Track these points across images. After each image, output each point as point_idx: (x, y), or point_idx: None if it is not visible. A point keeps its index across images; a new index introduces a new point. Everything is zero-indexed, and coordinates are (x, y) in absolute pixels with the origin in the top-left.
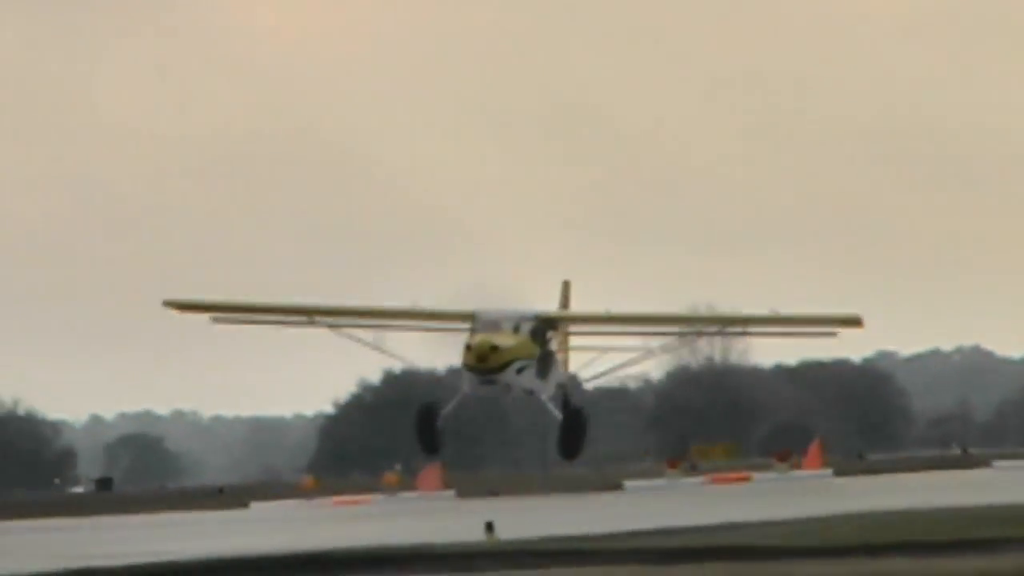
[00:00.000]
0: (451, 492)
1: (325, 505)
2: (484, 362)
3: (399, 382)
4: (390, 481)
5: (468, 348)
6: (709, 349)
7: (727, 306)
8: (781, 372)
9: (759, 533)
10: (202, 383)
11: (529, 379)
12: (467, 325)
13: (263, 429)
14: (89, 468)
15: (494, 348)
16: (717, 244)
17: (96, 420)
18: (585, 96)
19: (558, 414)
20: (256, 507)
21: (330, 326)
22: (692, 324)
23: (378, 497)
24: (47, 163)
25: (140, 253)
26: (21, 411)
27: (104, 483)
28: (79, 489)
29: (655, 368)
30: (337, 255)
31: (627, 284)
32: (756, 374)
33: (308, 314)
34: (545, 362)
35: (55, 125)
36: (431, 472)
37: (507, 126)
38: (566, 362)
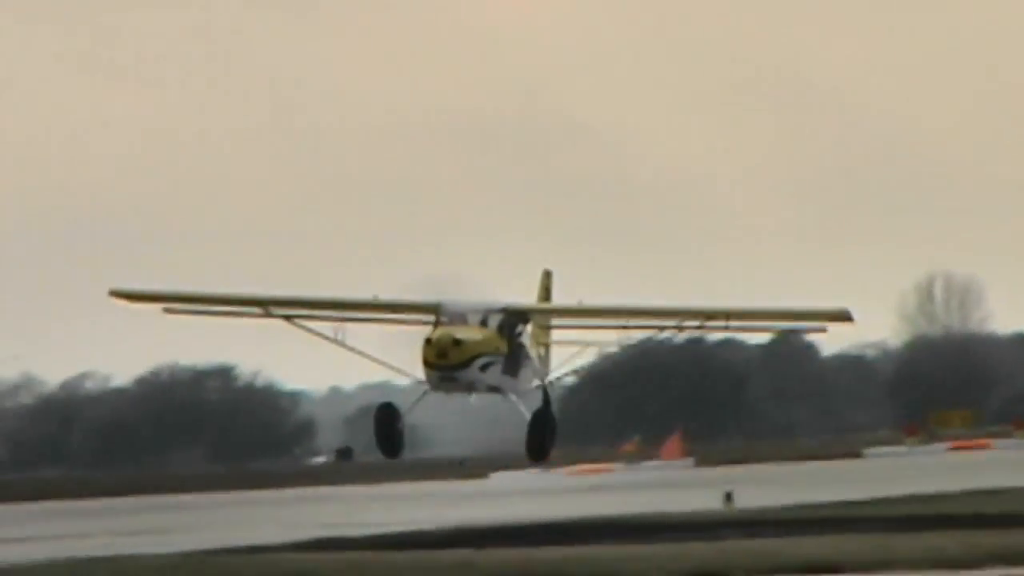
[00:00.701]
0: (690, 461)
1: (565, 475)
2: (444, 357)
3: (638, 352)
4: (630, 450)
5: (428, 342)
6: (947, 317)
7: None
8: (1019, 339)
9: (999, 500)
10: None
11: (495, 376)
12: (431, 318)
13: (502, 399)
14: (329, 439)
15: (456, 342)
16: (950, 212)
17: (335, 391)
18: (805, 68)
19: (527, 414)
20: (496, 477)
21: (286, 318)
22: (672, 317)
23: (618, 466)
24: (293, 141)
25: (376, 227)
26: (260, 383)
27: (344, 453)
28: (320, 459)
29: (893, 336)
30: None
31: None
32: (994, 342)
33: (263, 305)
34: (515, 358)
35: (288, 100)
36: (673, 442)
37: (725, 96)
38: (547, 359)
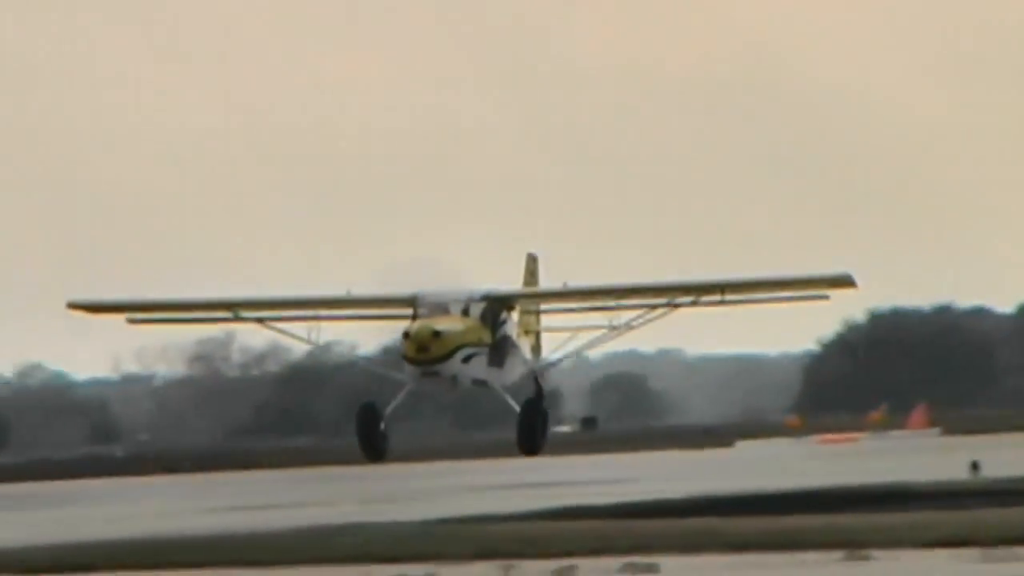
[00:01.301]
0: (937, 430)
1: (811, 444)
2: (425, 352)
3: (885, 321)
4: (876, 420)
5: (406, 336)
6: None
7: None
8: None
9: None
10: (687, 322)
11: (479, 368)
12: (409, 311)
13: (747, 368)
14: (574, 408)
15: (435, 334)
16: None
17: (581, 360)
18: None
19: (516, 406)
20: (741, 446)
21: (258, 320)
22: (662, 294)
23: (865, 436)
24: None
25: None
26: None
27: (589, 422)
28: (564, 428)
29: None
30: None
31: None
32: None
33: (232, 308)
34: (500, 348)
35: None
36: (920, 411)
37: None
38: (537, 346)
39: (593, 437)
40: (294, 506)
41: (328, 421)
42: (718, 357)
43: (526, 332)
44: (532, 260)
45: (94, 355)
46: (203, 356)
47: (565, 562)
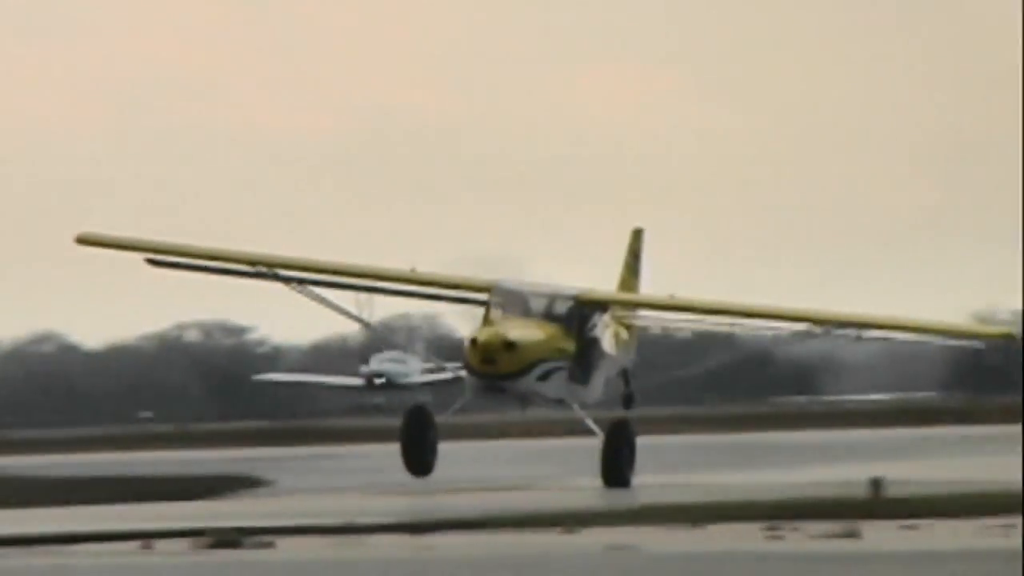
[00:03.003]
0: None
1: None
2: (492, 364)
3: None
4: None
5: (473, 342)
6: None
7: None
8: None
9: None
10: None
11: (558, 387)
12: (482, 296)
13: None
14: None
15: (508, 345)
16: None
17: None
18: None
19: (599, 431)
20: None
21: (298, 282)
22: (788, 320)
23: None
24: None
25: None
26: None
27: None
28: None
29: None
30: None
31: None
32: None
33: (269, 266)
34: (585, 360)
35: None
36: None
37: None
38: (632, 342)
39: None
40: None
41: None
42: None
43: (617, 326)
44: (636, 236)
45: None
46: None
47: None
